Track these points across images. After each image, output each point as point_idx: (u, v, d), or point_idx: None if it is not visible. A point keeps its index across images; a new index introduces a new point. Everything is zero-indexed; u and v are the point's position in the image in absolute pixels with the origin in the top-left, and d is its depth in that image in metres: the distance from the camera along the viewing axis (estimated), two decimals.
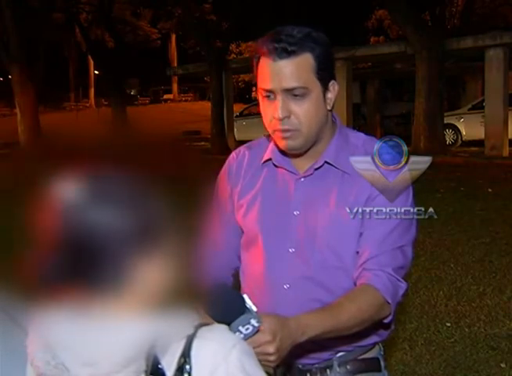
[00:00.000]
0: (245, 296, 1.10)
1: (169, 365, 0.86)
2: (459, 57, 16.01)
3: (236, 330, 1.06)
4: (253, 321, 1.07)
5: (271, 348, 1.11)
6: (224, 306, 1.07)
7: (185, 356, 0.86)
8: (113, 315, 0.84)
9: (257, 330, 1.09)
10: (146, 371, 0.84)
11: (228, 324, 1.06)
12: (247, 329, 1.07)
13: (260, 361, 1.13)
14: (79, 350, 0.84)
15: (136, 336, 0.83)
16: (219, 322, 1.06)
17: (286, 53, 1.32)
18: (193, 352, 0.86)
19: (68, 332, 0.84)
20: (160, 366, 0.85)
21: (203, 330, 0.89)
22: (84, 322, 0.84)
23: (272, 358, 1.13)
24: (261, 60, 1.36)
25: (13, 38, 16.38)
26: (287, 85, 1.33)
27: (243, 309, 1.08)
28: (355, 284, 1.40)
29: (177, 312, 0.87)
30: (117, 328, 0.83)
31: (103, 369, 0.83)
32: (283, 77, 1.33)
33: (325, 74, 1.37)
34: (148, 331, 0.84)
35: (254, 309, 1.09)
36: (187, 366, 0.86)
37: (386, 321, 1.39)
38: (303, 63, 1.33)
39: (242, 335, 1.07)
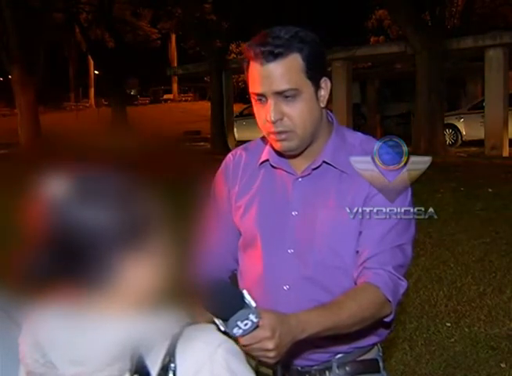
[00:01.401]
0: (244, 291, 1.09)
1: (154, 364, 0.86)
2: (459, 57, 16.00)
3: (234, 326, 1.06)
4: (251, 316, 1.07)
5: (270, 345, 1.11)
6: (222, 301, 1.07)
7: (170, 354, 0.86)
8: (101, 314, 0.85)
9: (256, 326, 1.09)
10: (130, 370, 0.85)
11: (227, 319, 1.06)
12: (246, 324, 1.07)
13: (259, 357, 1.13)
14: (66, 349, 0.85)
15: (121, 335, 0.84)
16: (217, 317, 1.06)
17: (273, 56, 1.31)
18: (178, 351, 0.87)
19: (57, 331, 0.85)
20: (145, 365, 0.85)
21: (189, 330, 0.89)
22: (72, 321, 0.85)
23: (271, 354, 1.12)
24: (251, 64, 1.35)
25: (13, 38, 16.39)
26: (277, 88, 1.32)
27: (241, 304, 1.08)
28: (355, 284, 1.39)
29: (163, 311, 0.88)
30: (104, 327, 0.84)
31: (89, 367, 0.84)
32: (273, 80, 1.32)
33: (315, 73, 1.36)
34: (133, 330, 0.85)
35: (253, 304, 1.08)
36: (172, 365, 0.86)
37: (387, 320, 1.38)
38: (291, 64, 1.32)
39: (241, 330, 1.07)
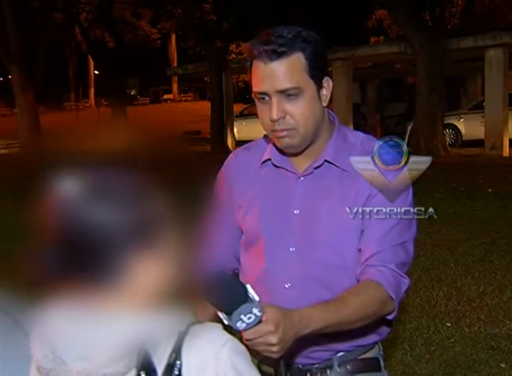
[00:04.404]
0: (248, 286, 1.10)
1: (160, 361, 0.87)
2: (459, 57, 16.00)
3: (238, 319, 1.07)
4: (255, 310, 1.08)
5: (274, 339, 1.11)
6: (226, 295, 1.07)
7: (176, 352, 0.87)
8: (109, 311, 0.86)
9: (259, 320, 1.09)
10: (136, 366, 0.86)
11: (231, 313, 1.06)
12: (250, 318, 1.07)
13: (263, 352, 1.13)
14: (75, 345, 0.86)
15: (128, 332, 0.85)
16: (221, 310, 1.07)
17: (276, 55, 1.32)
18: (184, 349, 0.88)
19: (66, 328, 0.86)
20: (151, 361, 0.86)
21: (195, 328, 0.90)
22: (80, 318, 0.86)
23: (274, 348, 1.13)
24: (254, 64, 1.36)
25: (13, 38, 16.40)
26: (280, 87, 1.33)
27: (245, 298, 1.08)
28: (357, 282, 1.40)
29: (170, 309, 0.88)
30: (111, 324, 0.85)
31: (96, 363, 0.85)
32: (276, 79, 1.33)
33: (317, 72, 1.37)
34: (140, 328, 0.86)
35: (257, 298, 1.09)
36: (177, 363, 0.87)
37: (390, 317, 1.39)
38: (294, 63, 1.34)
39: (244, 324, 1.07)
